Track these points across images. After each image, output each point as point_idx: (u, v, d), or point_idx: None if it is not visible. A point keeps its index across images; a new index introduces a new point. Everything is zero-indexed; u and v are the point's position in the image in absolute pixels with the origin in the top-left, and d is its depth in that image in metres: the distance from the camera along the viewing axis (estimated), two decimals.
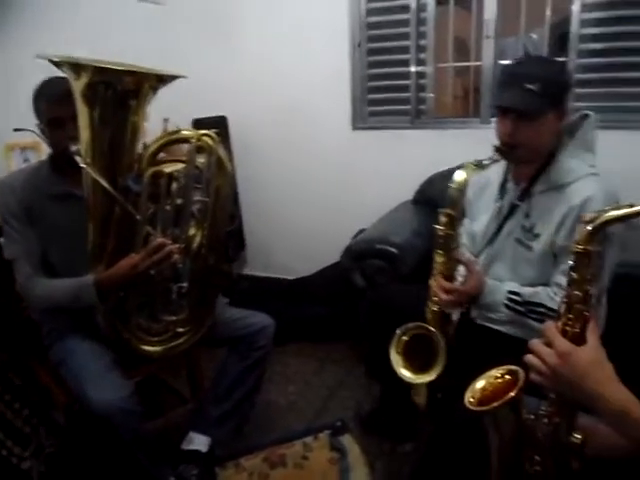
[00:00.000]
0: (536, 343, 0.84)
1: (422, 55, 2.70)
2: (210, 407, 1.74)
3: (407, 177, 2.60)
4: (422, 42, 2.68)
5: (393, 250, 2.09)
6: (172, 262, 1.46)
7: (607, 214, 0.78)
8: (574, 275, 0.83)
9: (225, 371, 1.75)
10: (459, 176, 1.40)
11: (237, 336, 1.74)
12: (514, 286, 1.46)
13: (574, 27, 2.35)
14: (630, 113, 2.37)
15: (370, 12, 2.69)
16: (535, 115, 1.34)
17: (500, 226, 1.53)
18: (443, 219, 1.42)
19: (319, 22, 2.74)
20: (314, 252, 2.94)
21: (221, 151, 1.50)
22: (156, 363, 1.70)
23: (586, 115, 1.43)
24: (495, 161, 1.41)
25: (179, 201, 1.46)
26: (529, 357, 0.84)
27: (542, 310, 1.39)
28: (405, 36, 2.66)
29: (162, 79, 1.39)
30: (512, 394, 0.84)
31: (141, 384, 1.65)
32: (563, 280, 1.34)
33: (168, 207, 1.47)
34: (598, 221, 0.79)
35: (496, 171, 1.59)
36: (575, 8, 2.32)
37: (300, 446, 1.78)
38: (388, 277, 2.08)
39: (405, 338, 1.46)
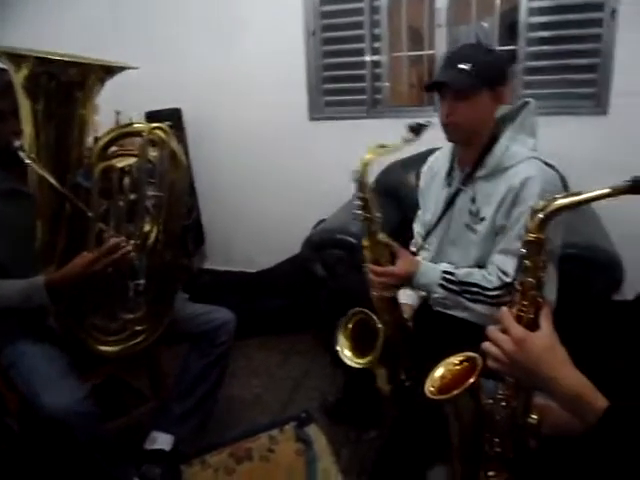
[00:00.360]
0: (492, 330, 0.85)
1: (377, 44, 2.71)
2: (173, 405, 1.72)
3: None
4: (376, 31, 2.69)
5: (352, 240, 2.10)
6: (128, 259, 1.42)
7: (556, 202, 0.79)
8: (527, 263, 0.84)
9: (187, 368, 1.72)
10: (365, 157, 1.43)
11: (198, 332, 1.71)
12: (448, 267, 1.50)
13: (522, 15, 2.41)
14: (577, 99, 2.45)
15: (324, 1, 2.68)
16: (468, 92, 1.39)
17: (449, 212, 1.57)
18: (359, 203, 1.44)
19: (273, 10, 2.71)
20: (275, 244, 2.93)
21: (174, 144, 1.46)
22: (115, 363, 1.66)
23: (527, 102, 1.48)
24: (405, 141, 1.44)
25: (132, 196, 1.43)
26: (486, 344, 0.86)
27: (476, 290, 1.43)
28: (359, 25, 2.66)
29: (109, 70, 1.34)
30: (471, 380, 0.86)
31: (101, 385, 1.61)
32: (499, 259, 1.41)
33: (121, 203, 1.42)
34: (548, 209, 0.80)
35: (444, 160, 1.63)
36: None
37: (266, 439, 1.78)
38: (348, 266, 2.09)
39: (350, 325, 1.47)
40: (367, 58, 2.70)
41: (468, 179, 1.51)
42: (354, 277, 2.02)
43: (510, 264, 1.37)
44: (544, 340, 0.81)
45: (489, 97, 1.42)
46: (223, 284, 2.90)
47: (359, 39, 2.69)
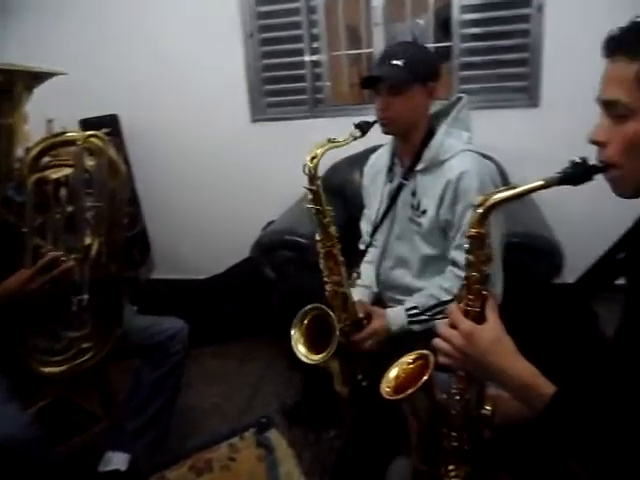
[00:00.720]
0: (442, 326, 0.87)
1: (315, 44, 2.72)
2: (126, 422, 1.66)
3: None
4: (314, 31, 2.69)
5: (302, 240, 2.09)
6: (69, 274, 1.36)
7: (494, 197, 0.81)
8: (470, 258, 0.86)
9: (139, 382, 1.67)
10: (314, 151, 1.44)
11: (149, 344, 1.66)
12: (408, 302, 1.53)
13: (455, 13, 2.48)
14: (510, 93, 2.54)
15: (260, 1, 2.66)
16: (401, 87, 1.43)
17: (393, 207, 1.59)
18: (309, 196, 1.45)
19: (209, 13, 2.67)
20: (224, 249, 2.88)
21: (112, 152, 1.41)
22: (62, 383, 1.59)
23: (460, 97, 1.53)
24: (354, 138, 1.47)
25: (70, 208, 1.37)
26: (436, 340, 0.88)
27: (441, 308, 1.45)
28: (297, 25, 2.66)
29: (37, 77, 1.28)
30: (425, 377, 0.87)
31: (47, 407, 1.53)
32: (456, 254, 1.44)
33: (58, 216, 1.37)
34: (487, 204, 0.82)
35: (385, 157, 1.66)
36: None
37: (226, 448, 1.74)
38: (298, 267, 2.08)
39: (305, 321, 1.46)
40: (306, 58, 2.71)
41: (408, 173, 1.54)
42: (305, 278, 2.02)
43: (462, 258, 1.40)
44: (491, 332, 0.83)
45: (422, 92, 1.46)
46: (173, 293, 2.83)
47: (297, 39, 2.69)
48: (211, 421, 2.05)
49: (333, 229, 1.46)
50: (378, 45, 2.63)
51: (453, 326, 0.85)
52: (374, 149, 1.81)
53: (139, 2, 2.72)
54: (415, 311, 1.50)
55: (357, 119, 2.67)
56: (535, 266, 1.88)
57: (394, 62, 1.42)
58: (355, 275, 1.62)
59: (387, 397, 0.89)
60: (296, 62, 2.73)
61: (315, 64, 2.74)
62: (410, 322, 1.50)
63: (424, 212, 1.50)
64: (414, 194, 1.53)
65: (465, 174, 1.41)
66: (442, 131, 1.49)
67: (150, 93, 2.82)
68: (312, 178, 1.45)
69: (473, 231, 0.84)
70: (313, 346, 1.47)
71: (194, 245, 3.09)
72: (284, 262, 2.10)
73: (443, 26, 2.61)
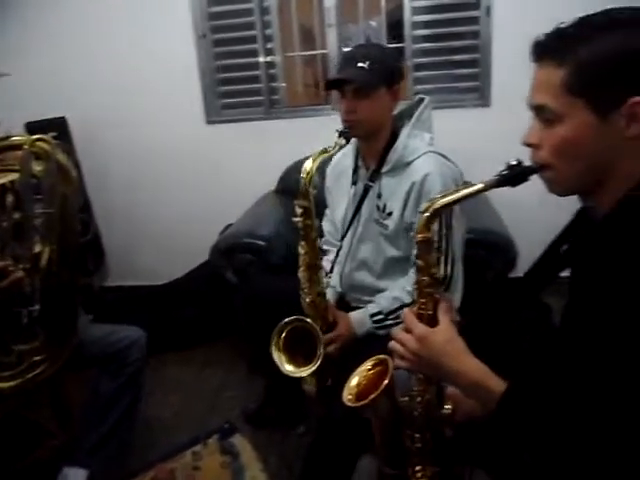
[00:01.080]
0: (397, 331, 0.90)
1: (269, 45, 2.71)
2: (83, 436, 1.60)
3: (268, 168, 2.59)
4: (268, 31, 2.68)
5: (261, 243, 2.08)
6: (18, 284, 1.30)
7: (438, 202, 0.84)
8: (420, 262, 0.88)
9: (97, 394, 1.61)
10: (307, 166, 1.42)
11: (106, 354, 1.61)
12: (372, 307, 1.54)
13: (407, 14, 2.51)
14: (462, 93, 2.60)
15: (212, 2, 2.62)
16: (367, 90, 1.43)
17: (358, 209, 1.60)
18: (299, 210, 1.44)
19: (160, 14, 2.61)
20: (181, 253, 2.82)
21: (61, 156, 1.36)
22: (13, 399, 1.51)
23: (422, 98, 1.55)
24: (341, 146, 1.46)
25: (17, 215, 1.31)
26: (391, 344, 0.90)
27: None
28: (250, 26, 2.64)
29: None
30: (385, 382, 0.89)
31: None
32: None
33: (5, 223, 1.30)
34: (432, 209, 0.84)
35: (349, 159, 1.66)
36: None
37: (189, 457, 1.71)
38: (259, 270, 2.06)
39: (284, 335, 1.46)
40: (261, 59, 2.69)
41: (374, 175, 1.55)
42: (267, 280, 2.01)
43: None
44: (444, 334, 0.86)
45: (387, 94, 1.47)
46: (129, 300, 2.75)
47: (251, 40, 2.67)
48: (173, 430, 2.01)
49: (319, 242, 1.48)
50: (332, 46, 2.64)
51: (408, 330, 0.88)
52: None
53: (88, 2, 2.63)
54: (380, 317, 1.51)
55: (312, 120, 2.71)
56: (491, 261, 1.93)
57: (359, 64, 1.41)
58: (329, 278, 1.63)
59: (349, 404, 0.91)
60: (250, 63, 2.71)
61: (269, 65, 2.73)
62: (376, 328, 1.51)
63: (390, 214, 1.51)
64: (380, 196, 1.54)
65: (429, 176, 1.43)
66: (405, 133, 1.50)
67: (100, 95, 2.74)
68: (305, 194, 1.43)
69: (420, 236, 0.87)
70: (291, 356, 1.46)
71: (150, 250, 3.03)
72: (245, 265, 2.08)
73: (395, 28, 2.64)
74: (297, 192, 1.44)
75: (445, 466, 0.98)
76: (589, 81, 0.71)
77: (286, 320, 1.45)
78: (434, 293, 0.88)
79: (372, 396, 0.88)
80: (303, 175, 1.42)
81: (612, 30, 0.69)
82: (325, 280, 1.55)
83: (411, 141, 1.49)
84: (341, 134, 1.46)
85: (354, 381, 0.95)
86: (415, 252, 0.88)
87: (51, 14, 2.65)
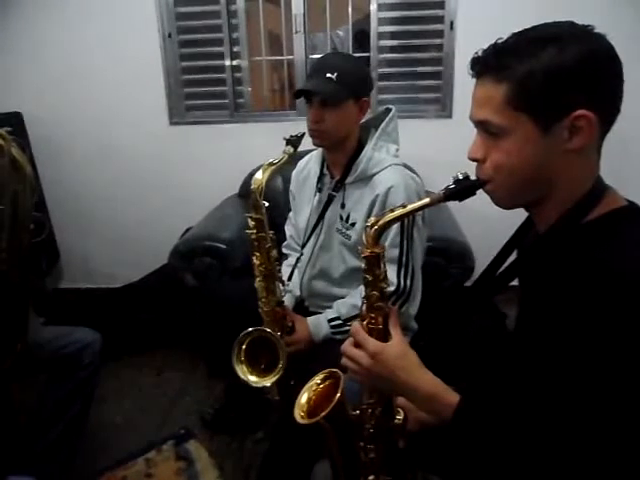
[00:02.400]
0: (348, 347, 0.89)
1: (236, 48, 2.70)
2: (31, 443, 1.54)
3: (231, 171, 2.58)
4: (235, 35, 2.67)
5: (222, 246, 2.06)
6: None
7: (386, 217, 0.84)
8: (368, 277, 0.88)
9: (46, 399, 1.56)
10: (257, 178, 1.41)
11: (58, 357, 1.56)
12: (330, 312, 1.55)
13: (373, 25, 2.55)
14: (425, 104, 2.66)
15: (178, 2, 2.60)
16: (335, 101, 1.43)
17: (321, 217, 1.60)
18: (251, 223, 1.43)
19: (125, 12, 2.57)
20: (139, 256, 2.77)
21: (15, 151, 1.31)
22: None
23: (389, 109, 1.56)
24: (290, 155, 1.46)
25: None
26: (344, 360, 0.89)
27: None
28: (217, 28, 2.63)
29: None
30: (337, 396, 0.87)
31: None
32: None
33: None
34: (379, 224, 0.85)
35: (314, 165, 1.66)
36: (373, 7, 2.51)
37: (142, 464, 1.68)
38: (219, 273, 2.04)
39: (244, 346, 1.44)
40: (227, 62, 2.68)
41: (338, 185, 1.55)
42: (227, 284, 2.00)
43: (391, 272, 1.44)
44: (396, 349, 0.86)
45: (354, 106, 1.47)
46: (84, 303, 2.68)
47: (218, 43, 2.65)
48: (126, 437, 1.95)
49: (274, 252, 1.46)
50: (299, 53, 2.65)
51: (359, 345, 0.87)
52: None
53: None
54: (338, 322, 1.52)
55: (277, 125, 2.71)
56: (448, 269, 1.97)
57: (327, 75, 1.42)
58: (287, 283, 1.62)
59: (302, 422, 0.89)
60: (216, 66, 2.69)
61: (235, 69, 2.72)
62: (333, 332, 1.52)
63: (353, 224, 1.51)
64: (343, 206, 1.54)
65: (393, 189, 1.43)
66: (371, 144, 1.51)
67: (59, 92, 2.67)
68: (256, 207, 1.42)
69: (368, 251, 0.86)
70: (252, 365, 1.45)
71: (107, 253, 2.95)
72: (205, 269, 2.05)
73: (362, 37, 2.68)
74: (249, 204, 1.43)
75: (398, 476, 0.98)
76: (530, 96, 0.71)
77: (246, 331, 1.43)
78: (384, 307, 0.88)
79: (323, 414, 0.87)
80: (254, 187, 1.41)
81: (546, 45, 0.70)
82: (282, 288, 1.54)
83: (376, 153, 1.50)
84: (288, 142, 1.46)
85: (304, 398, 0.93)
86: (363, 267, 0.88)
87: (15, 11, 2.57)
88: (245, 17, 2.66)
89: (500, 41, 0.75)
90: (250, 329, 1.43)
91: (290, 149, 1.46)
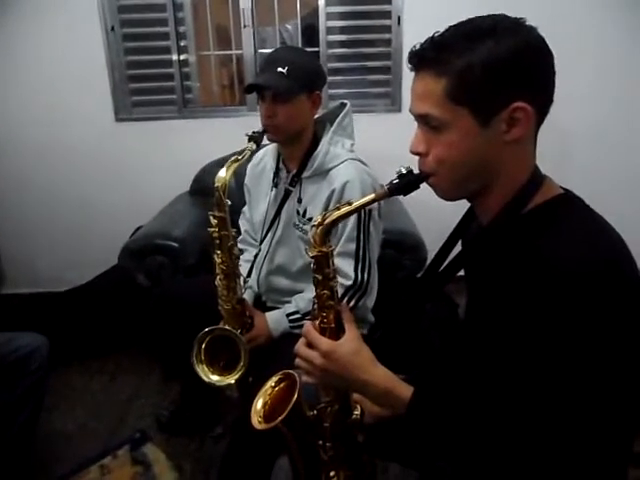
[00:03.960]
0: (301, 347, 0.89)
1: (183, 42, 2.65)
2: None
3: (181, 168, 2.53)
4: (181, 29, 2.62)
5: (174, 244, 2.02)
6: None
7: (333, 215, 0.84)
8: (318, 277, 0.88)
9: None
10: (221, 175, 1.40)
11: (4, 364, 1.49)
12: (288, 307, 1.55)
13: (322, 20, 2.55)
14: (374, 98, 2.69)
15: None
16: (286, 95, 1.43)
17: (277, 212, 1.59)
18: (214, 221, 1.41)
19: (65, 4, 2.46)
20: (87, 258, 2.68)
21: None
22: None
23: (343, 104, 1.56)
24: (252, 152, 1.46)
25: None
26: (298, 361, 0.89)
27: None
28: (163, 22, 2.56)
29: None
30: (294, 398, 0.87)
31: None
32: (337, 262, 1.46)
33: None
34: (327, 222, 0.85)
35: (270, 159, 1.65)
36: (321, 2, 2.52)
37: (97, 471, 1.63)
38: (172, 272, 2.00)
39: (204, 345, 1.42)
40: (174, 57, 2.62)
41: (294, 180, 1.54)
42: (180, 282, 1.96)
43: (348, 266, 1.46)
44: (349, 346, 0.86)
45: (307, 100, 1.47)
46: (30, 308, 2.56)
47: (164, 36, 2.59)
48: (79, 444, 1.88)
49: (236, 250, 1.45)
50: (248, 47, 2.62)
51: (312, 345, 0.87)
52: (242, 151, 1.79)
53: None
54: (297, 316, 1.52)
55: (227, 120, 2.68)
56: (401, 261, 2.00)
57: (279, 69, 1.40)
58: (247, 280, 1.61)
59: (260, 427, 0.88)
60: (163, 60, 2.63)
61: (183, 63, 2.66)
62: (292, 327, 1.52)
63: (310, 219, 1.51)
64: (300, 201, 1.54)
65: (349, 183, 1.44)
66: (327, 139, 1.51)
67: None
68: (220, 205, 1.40)
69: (316, 251, 0.86)
70: (211, 364, 1.43)
71: (53, 256, 2.84)
72: (157, 267, 2.01)
73: (310, 32, 2.68)
74: (212, 202, 1.41)
75: (359, 469, 0.99)
76: (470, 89, 0.72)
77: (206, 330, 1.41)
78: (335, 305, 0.88)
79: (280, 417, 0.86)
80: (218, 184, 1.39)
81: (483, 38, 0.71)
82: (242, 285, 1.52)
83: (332, 147, 1.51)
84: (251, 138, 1.45)
85: (260, 403, 0.92)
86: (312, 267, 0.88)
87: None
88: (192, 10, 2.62)
89: (437, 35, 0.76)
90: (210, 328, 1.41)
91: (253, 145, 1.45)
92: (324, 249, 0.86)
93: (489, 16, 0.75)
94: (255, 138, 1.45)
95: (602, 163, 2.68)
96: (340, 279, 1.46)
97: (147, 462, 1.66)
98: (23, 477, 1.58)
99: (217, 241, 1.43)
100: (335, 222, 0.85)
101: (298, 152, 1.54)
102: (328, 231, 0.86)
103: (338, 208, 0.85)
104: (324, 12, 2.54)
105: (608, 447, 0.70)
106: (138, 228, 2.34)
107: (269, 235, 1.62)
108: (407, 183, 0.81)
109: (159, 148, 2.68)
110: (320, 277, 0.88)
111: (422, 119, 0.78)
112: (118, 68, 2.60)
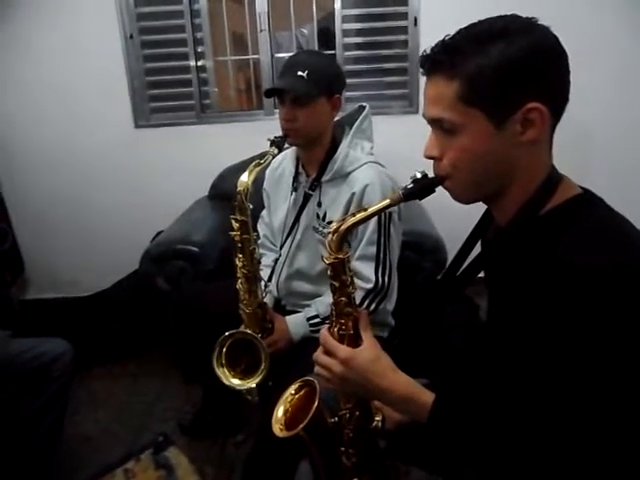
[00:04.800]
0: (320, 356, 0.88)
1: (200, 48, 2.66)
2: (2, 461, 1.49)
3: (200, 173, 2.54)
4: (199, 35, 2.64)
5: (194, 249, 2.03)
6: None
7: (346, 223, 0.84)
8: (335, 284, 0.87)
9: (16, 414, 1.51)
10: (243, 180, 1.40)
11: (27, 371, 1.51)
12: (309, 311, 1.54)
13: (337, 23, 2.55)
14: (391, 100, 2.67)
15: (139, 2, 2.55)
16: (306, 98, 1.42)
17: (297, 217, 1.59)
18: (236, 225, 1.42)
19: (85, 14, 2.50)
20: (109, 263, 2.71)
21: None
22: None
23: (362, 106, 1.55)
24: (274, 156, 1.46)
25: None
26: (317, 369, 0.88)
27: None
28: (180, 29, 2.59)
29: None
30: (315, 405, 0.87)
31: None
32: (358, 266, 1.46)
33: None
34: (340, 230, 0.84)
35: (289, 164, 1.65)
36: (337, 5, 2.51)
37: (121, 475, 1.64)
38: (192, 277, 2.01)
39: (225, 349, 1.42)
40: (191, 63, 2.64)
41: (314, 184, 1.54)
42: (201, 287, 1.97)
43: (369, 269, 1.45)
44: (368, 353, 0.85)
45: (327, 103, 1.46)
46: (53, 313, 2.60)
47: (182, 43, 2.61)
48: (103, 448, 1.91)
49: (257, 253, 1.46)
50: (264, 52, 2.63)
51: (330, 353, 0.86)
52: (262, 155, 1.80)
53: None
54: (317, 320, 1.51)
55: (245, 125, 2.70)
56: (421, 263, 1.98)
57: (298, 73, 1.40)
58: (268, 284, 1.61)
59: (281, 435, 0.88)
60: (181, 66, 2.65)
61: (200, 69, 2.68)
62: (312, 331, 1.51)
63: (330, 223, 1.50)
64: (320, 205, 1.53)
65: (369, 187, 1.43)
66: (346, 142, 1.50)
67: (21, 94, 2.59)
68: (242, 208, 1.41)
69: (332, 258, 0.86)
70: (232, 368, 1.43)
71: (75, 260, 2.88)
72: (178, 272, 2.02)
73: (326, 35, 2.68)
74: (234, 206, 1.41)
75: (382, 476, 0.98)
76: (482, 91, 0.72)
77: (227, 334, 1.41)
78: (352, 312, 0.87)
79: (302, 425, 0.86)
80: (240, 189, 1.39)
81: (494, 40, 0.71)
82: (264, 289, 1.52)
83: (352, 151, 1.50)
84: (272, 143, 1.45)
85: (280, 411, 0.92)
86: (329, 273, 0.87)
87: None
88: (208, 16, 2.63)
89: (448, 38, 0.75)
90: (231, 331, 1.42)
91: (275, 150, 1.44)
92: (340, 255, 0.85)
93: (500, 17, 0.74)
94: (277, 143, 1.45)
95: (624, 165, 2.63)
96: (361, 282, 1.46)
97: (170, 466, 1.67)
98: None
99: (239, 245, 1.43)
100: (351, 229, 0.84)
101: (317, 156, 1.53)
102: (344, 238, 0.85)
103: (354, 214, 0.84)
104: (340, 15, 2.54)
105: (633, 453, 0.68)
106: (158, 233, 2.36)
107: (289, 239, 1.62)
108: (422, 187, 0.80)
109: (178, 154, 2.71)
110: (337, 284, 0.87)
111: (435, 123, 0.78)
112: (137, 75, 2.63)
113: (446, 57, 0.73)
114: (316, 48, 2.68)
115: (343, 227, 0.84)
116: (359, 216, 0.83)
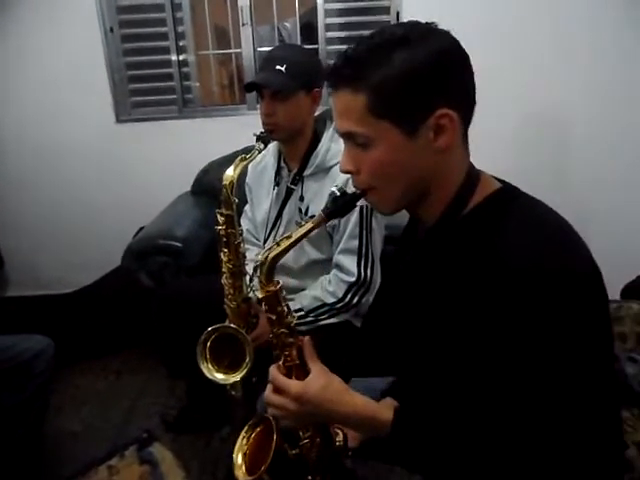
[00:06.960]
0: (270, 396, 0.86)
1: (182, 42, 2.64)
2: None
3: (182, 168, 2.53)
4: (180, 29, 2.62)
5: (177, 244, 2.02)
6: None
7: (271, 255, 0.82)
8: (272, 317, 0.86)
9: None
10: (228, 174, 1.40)
11: (7, 368, 1.50)
12: (293, 305, 1.53)
13: (320, 17, 2.55)
14: None
15: None
16: (285, 93, 1.42)
17: (280, 211, 1.59)
18: (221, 219, 1.42)
19: (64, 6, 2.46)
20: (91, 259, 2.68)
21: None
22: None
23: None
24: (260, 151, 1.45)
25: None
26: (270, 411, 0.87)
27: (327, 308, 1.50)
28: (162, 22, 2.56)
29: None
30: (273, 442, 0.87)
31: None
32: (341, 259, 1.48)
33: None
34: (268, 261, 0.83)
35: (271, 158, 1.65)
36: None
37: (104, 471, 1.62)
38: (175, 272, 2.01)
39: (209, 344, 1.42)
40: (173, 57, 2.62)
41: (296, 178, 1.54)
42: (184, 282, 1.96)
43: (351, 262, 1.47)
44: (318, 382, 0.83)
45: (306, 97, 1.46)
46: (34, 310, 2.57)
47: (163, 37, 2.58)
48: (86, 444, 1.90)
49: (242, 248, 1.45)
50: (246, 46, 2.61)
51: (280, 391, 0.84)
52: (246, 150, 1.79)
53: None
54: (301, 313, 1.51)
55: (227, 120, 2.68)
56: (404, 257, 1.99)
57: (277, 67, 1.40)
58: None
59: None
60: (162, 61, 2.62)
61: (182, 63, 2.66)
62: (296, 324, 1.51)
63: (312, 217, 1.50)
64: (302, 199, 1.54)
65: (351, 180, 1.44)
66: (328, 136, 1.51)
67: None
68: (227, 203, 1.40)
69: (265, 291, 0.84)
70: (217, 363, 1.42)
71: (56, 258, 2.84)
72: (160, 268, 2.01)
73: (309, 29, 2.67)
74: (219, 200, 1.40)
75: None
76: (389, 102, 0.71)
77: (211, 328, 1.40)
78: (295, 341, 0.86)
79: (264, 467, 0.85)
80: (225, 183, 1.39)
81: (396, 49, 0.70)
82: (249, 283, 1.52)
83: (333, 144, 1.50)
84: (259, 138, 1.45)
85: (239, 458, 0.91)
86: (264, 307, 0.86)
87: None
88: (190, 10, 2.61)
89: (350, 49, 0.75)
90: (215, 326, 1.41)
91: (261, 145, 1.44)
92: (271, 288, 0.84)
93: (400, 25, 0.76)
94: (263, 138, 1.45)
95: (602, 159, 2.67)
96: (344, 276, 1.47)
97: (154, 461, 1.66)
98: (31, 478, 1.58)
99: (224, 239, 1.43)
100: (276, 259, 0.83)
101: (299, 150, 1.53)
102: (272, 269, 0.83)
103: (278, 244, 0.83)
104: (322, 9, 2.53)
105: (585, 453, 0.68)
106: (140, 229, 2.35)
107: (272, 234, 1.62)
108: (343, 204, 0.80)
109: (160, 148, 2.68)
110: (274, 317, 0.86)
111: (348, 137, 0.77)
112: (117, 69, 2.60)
113: (350, 70, 0.73)
114: (299, 42, 2.67)
115: (270, 257, 0.83)
116: (284, 245, 0.82)
